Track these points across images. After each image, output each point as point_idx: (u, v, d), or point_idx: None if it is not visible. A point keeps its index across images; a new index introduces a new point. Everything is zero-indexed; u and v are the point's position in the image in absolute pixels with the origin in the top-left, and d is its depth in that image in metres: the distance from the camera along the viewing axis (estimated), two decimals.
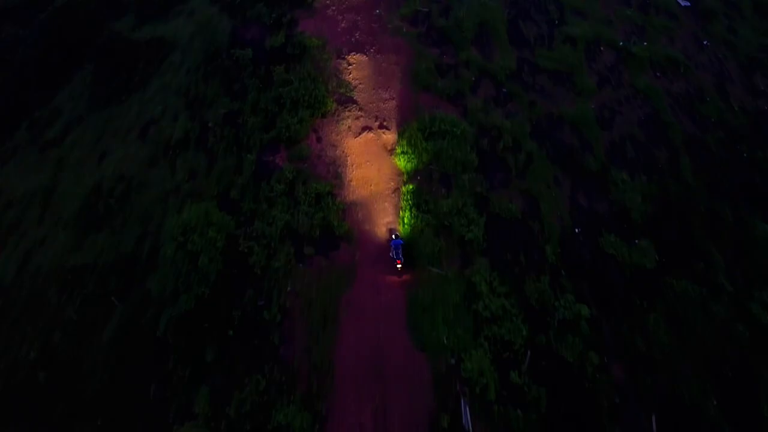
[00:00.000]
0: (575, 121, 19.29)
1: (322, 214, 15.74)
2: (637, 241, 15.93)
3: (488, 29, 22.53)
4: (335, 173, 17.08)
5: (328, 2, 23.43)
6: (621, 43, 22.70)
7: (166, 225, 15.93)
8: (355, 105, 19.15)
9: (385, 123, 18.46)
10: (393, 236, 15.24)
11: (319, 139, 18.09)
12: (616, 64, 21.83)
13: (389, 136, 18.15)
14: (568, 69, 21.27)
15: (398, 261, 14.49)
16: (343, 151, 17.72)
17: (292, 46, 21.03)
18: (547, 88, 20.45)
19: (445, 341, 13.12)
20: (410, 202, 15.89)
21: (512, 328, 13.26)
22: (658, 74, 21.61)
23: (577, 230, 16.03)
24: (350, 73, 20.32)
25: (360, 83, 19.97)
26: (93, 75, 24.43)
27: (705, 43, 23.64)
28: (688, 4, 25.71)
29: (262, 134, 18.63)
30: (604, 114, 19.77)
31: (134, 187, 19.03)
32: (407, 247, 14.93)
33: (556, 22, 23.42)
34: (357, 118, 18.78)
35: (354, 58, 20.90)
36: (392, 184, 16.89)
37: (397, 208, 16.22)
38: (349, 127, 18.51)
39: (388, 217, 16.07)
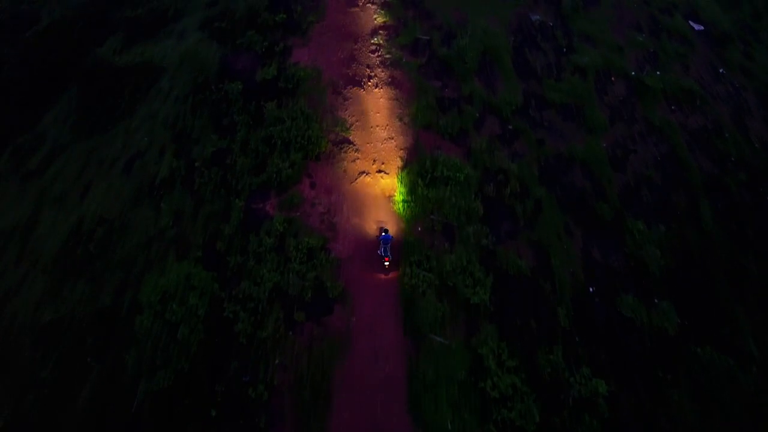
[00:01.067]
0: (586, 162, 18.05)
1: (315, 272, 14.48)
2: (656, 300, 14.68)
3: (492, 58, 21.29)
4: (329, 224, 15.82)
5: (323, 29, 22.19)
6: (633, 73, 21.47)
7: (144, 287, 14.65)
8: (351, 146, 17.90)
9: (383, 166, 17.21)
10: (382, 232, 15.00)
11: (312, 185, 16.84)
12: (629, 96, 20.59)
13: (388, 181, 16.90)
14: (578, 102, 20.03)
15: (386, 258, 14.44)
16: (338, 198, 16.47)
17: (284, 79, 19.77)
18: (555, 124, 19.20)
19: (450, 426, 11.86)
20: (411, 259, 14.63)
21: (523, 410, 12.00)
22: (673, 107, 20.37)
23: (591, 289, 14.78)
24: (346, 109, 19.07)
25: (357, 120, 18.72)
26: (78, 100, 23.26)
27: (721, 71, 22.41)
28: (702, 27, 24.50)
29: (252, 177, 17.38)
30: (617, 153, 18.52)
31: (116, 229, 17.78)
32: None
33: (564, 49, 22.19)
34: (353, 160, 17.52)
35: (350, 92, 19.65)
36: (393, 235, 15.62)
37: (398, 263, 14.95)
38: (345, 170, 17.26)
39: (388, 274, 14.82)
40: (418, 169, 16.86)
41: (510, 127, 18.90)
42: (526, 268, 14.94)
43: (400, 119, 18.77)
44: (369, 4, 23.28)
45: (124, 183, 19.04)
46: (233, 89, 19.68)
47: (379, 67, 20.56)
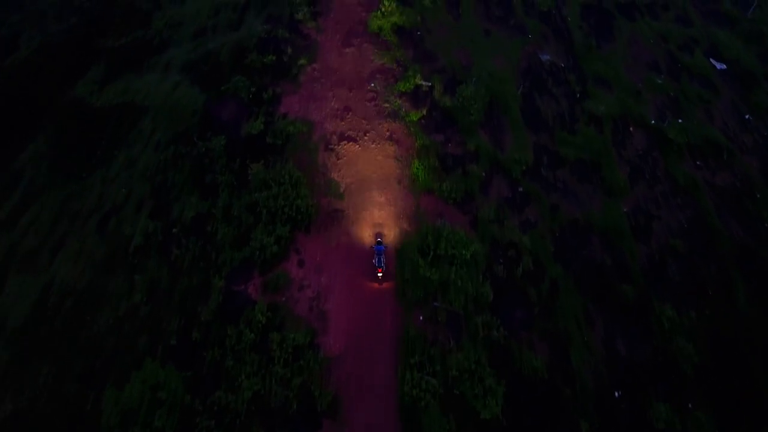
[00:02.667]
0: (606, 231, 16.27)
1: (301, 377, 12.68)
2: (690, 406, 12.88)
3: (499, 107, 19.52)
4: (319, 312, 14.01)
5: (315, 73, 20.43)
6: (653, 122, 19.70)
7: (106, 403, 12.84)
8: (344, 214, 16.12)
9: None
10: (377, 240, 14.86)
11: (300, 263, 15.04)
12: (649, 150, 18.81)
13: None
14: (594, 158, 18.25)
15: (379, 269, 14.18)
16: (330, 280, 14.67)
17: (272, 134, 17.99)
18: (570, 186, 17.42)
19: None
20: (411, 360, 12.82)
21: None
22: (698, 162, 18.60)
23: (617, 394, 12.97)
24: (340, 170, 17.29)
25: (351, 183, 16.94)
26: (54, 141, 21.50)
27: (747, 117, 20.65)
28: (724, 66, 22.74)
29: (234, 251, 15.59)
30: (639, 219, 16.73)
31: (85, 302, 16.01)
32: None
33: (578, 95, 20.41)
34: (347, 232, 15.73)
35: (344, 148, 17.87)
36: (389, 325, 13.83)
37: (396, 361, 13.15)
38: (338, 245, 15.47)
39: (384, 374, 13.00)
40: (419, 244, 15.07)
41: (520, 189, 17.12)
42: (542, 368, 13.13)
43: (399, 182, 16.99)
44: (366, 44, 21.53)
45: (97, 244, 17.30)
46: (216, 145, 17.89)
47: (377, 119, 18.78)
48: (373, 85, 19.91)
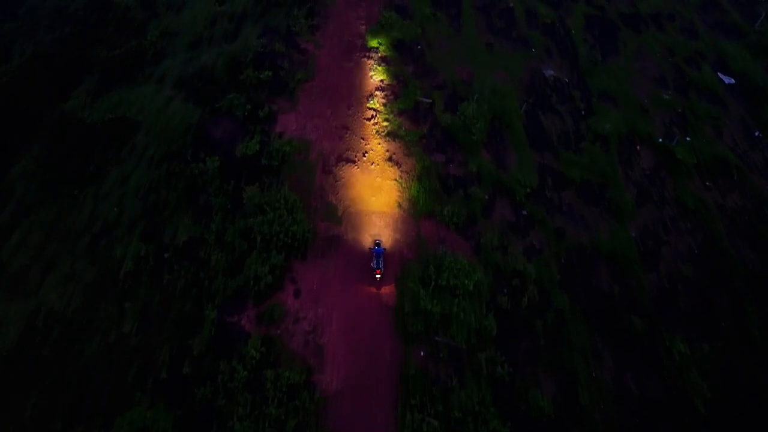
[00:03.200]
0: (613, 257, 15.69)
1: (296, 419, 12.07)
2: None
3: (502, 125, 18.94)
4: (315, 347, 13.42)
5: (313, 90, 19.84)
6: (660, 140, 19.12)
7: None
8: (342, 240, 15.53)
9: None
10: (375, 243, 14.88)
11: (296, 293, 14.45)
12: (657, 170, 18.23)
13: (385, 287, 14.52)
14: (600, 179, 17.67)
15: (377, 271, 14.11)
16: (327, 311, 14.08)
17: (267, 155, 17.40)
18: (576, 209, 16.84)
19: None
20: (411, 401, 12.23)
21: None
22: (707, 183, 18.02)
23: None
24: (337, 192, 16.71)
25: (349, 206, 16.36)
26: (46, 156, 20.92)
27: (757, 134, 20.08)
28: (732, 81, 22.17)
29: (227, 279, 15.00)
30: (648, 244, 16.15)
31: (74, 329, 15.43)
32: None
33: (583, 111, 19.84)
34: (345, 258, 15.14)
35: (342, 170, 17.29)
36: (389, 360, 13.23)
37: (396, 400, 12.56)
38: (335, 272, 14.88)
39: (383, 414, 12.41)
40: (421, 274, 14.49)
41: (524, 212, 16.53)
42: (548, 407, 12.54)
43: (399, 205, 16.40)
44: (365, 59, 20.96)
45: (87, 267, 16.73)
46: (210, 167, 17.29)
47: (376, 138, 18.20)
48: (372, 102, 19.33)
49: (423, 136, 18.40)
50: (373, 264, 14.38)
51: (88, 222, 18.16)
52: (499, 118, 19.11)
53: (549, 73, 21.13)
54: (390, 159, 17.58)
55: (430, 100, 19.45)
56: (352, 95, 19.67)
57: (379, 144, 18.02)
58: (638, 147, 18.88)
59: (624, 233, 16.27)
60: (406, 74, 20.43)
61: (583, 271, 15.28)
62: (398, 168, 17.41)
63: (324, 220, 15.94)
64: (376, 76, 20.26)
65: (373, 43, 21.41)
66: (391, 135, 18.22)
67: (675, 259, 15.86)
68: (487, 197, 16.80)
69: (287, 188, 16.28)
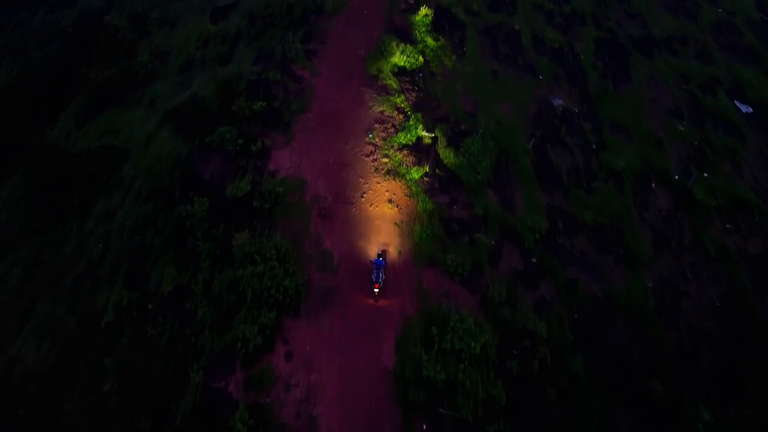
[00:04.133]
0: (629, 311, 14.59)
1: None
2: None
3: (509, 162, 17.87)
4: (308, 419, 12.32)
5: (309, 122, 18.79)
6: (677, 177, 18.05)
7: None
8: (338, 293, 14.45)
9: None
10: (378, 254, 14.63)
11: (288, 355, 13.36)
12: (674, 212, 17.14)
13: (384, 348, 13.45)
14: (614, 222, 16.59)
15: (376, 285, 13.84)
16: (321, 377, 12.99)
17: (260, 196, 16.32)
18: (589, 256, 15.75)
19: None
20: None
21: None
22: (727, 225, 16.93)
23: None
24: (334, 237, 15.63)
25: (346, 253, 15.28)
26: (29, 186, 19.91)
27: None
28: (750, 109, 21.10)
29: (214, 336, 13.93)
30: (666, 297, 15.05)
31: (52, 387, 14.36)
32: None
33: (594, 145, 18.76)
34: (341, 315, 14.07)
35: (339, 212, 16.22)
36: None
37: None
38: (330, 331, 13.80)
39: None
40: (423, 335, 13.40)
41: (534, 260, 15.45)
42: None
43: (400, 252, 15.32)
44: (364, 87, 19.90)
45: (68, 313, 15.72)
46: (198, 210, 16.21)
47: (375, 177, 17.13)
48: (371, 136, 18.27)
49: (425, 174, 17.33)
50: (372, 276, 14.02)
51: (71, 259, 17.17)
52: (506, 153, 18.04)
53: (557, 102, 20.06)
54: (390, 200, 16.51)
55: (433, 135, 18.39)
56: (350, 128, 18.62)
57: (379, 183, 16.95)
58: (653, 185, 17.79)
59: (640, 284, 15.18)
60: (408, 105, 19.38)
61: (597, 328, 14.19)
62: (398, 210, 16.34)
63: (319, 270, 14.86)
64: (375, 106, 19.21)
65: (373, 70, 20.35)
66: (391, 173, 17.15)
67: (696, 314, 14.76)
68: (493, 243, 15.72)
69: (279, 235, 15.20)
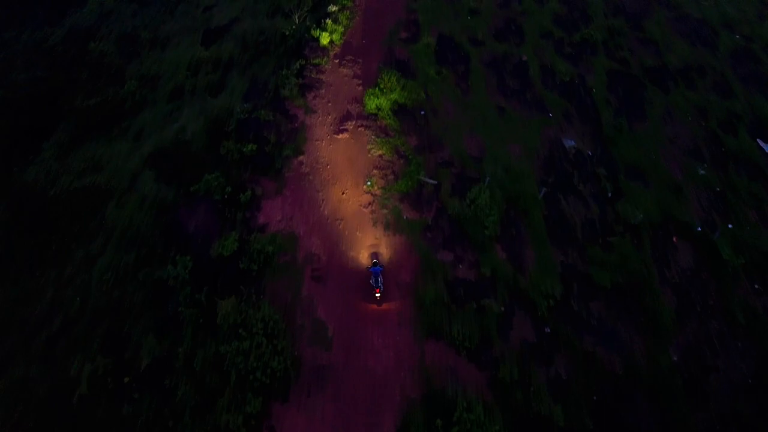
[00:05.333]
0: (653, 390, 13.23)
1: None
2: None
3: (518, 214, 16.52)
4: None
5: (302, 168, 17.45)
6: (699, 229, 16.70)
7: None
8: (330, 370, 13.09)
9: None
10: (373, 262, 14.68)
11: None
12: (698, 270, 15.78)
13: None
14: (633, 283, 15.23)
15: (377, 290, 14.04)
16: None
17: (247, 257, 14.97)
18: (607, 323, 14.39)
19: None
20: None
21: None
22: (756, 286, 15.57)
23: None
24: (328, 304, 14.28)
25: (342, 323, 13.93)
26: (5, 230, 18.60)
27: None
28: None
29: (195, 420, 12.58)
30: (692, 370, 13.70)
31: None
32: None
33: (609, 194, 17.41)
34: (334, 398, 12.71)
35: (334, 273, 14.88)
36: None
37: None
38: (323, 417, 12.44)
39: None
40: (424, 421, 12.03)
41: (547, 330, 14.10)
42: None
43: (400, 323, 13.97)
44: (362, 128, 18.57)
45: (41, 379, 14.38)
46: (180, 271, 14.86)
47: (374, 231, 15.79)
48: (369, 183, 16.93)
49: (427, 227, 15.99)
50: (372, 282, 14.22)
51: (47, 314, 15.88)
52: (515, 203, 16.70)
53: (569, 143, 18.72)
54: (390, 259, 15.16)
55: (435, 182, 17.04)
56: (347, 175, 17.28)
57: (377, 238, 15.60)
58: (675, 239, 16.44)
59: (665, 357, 13.83)
60: (408, 148, 18.04)
61: (619, 411, 12.83)
62: (399, 269, 14.99)
63: (311, 344, 13.50)
64: (374, 149, 17.87)
65: (372, 108, 19.02)
66: (391, 227, 15.80)
67: (726, 392, 13.40)
68: (503, 309, 14.37)
69: (267, 304, 13.84)
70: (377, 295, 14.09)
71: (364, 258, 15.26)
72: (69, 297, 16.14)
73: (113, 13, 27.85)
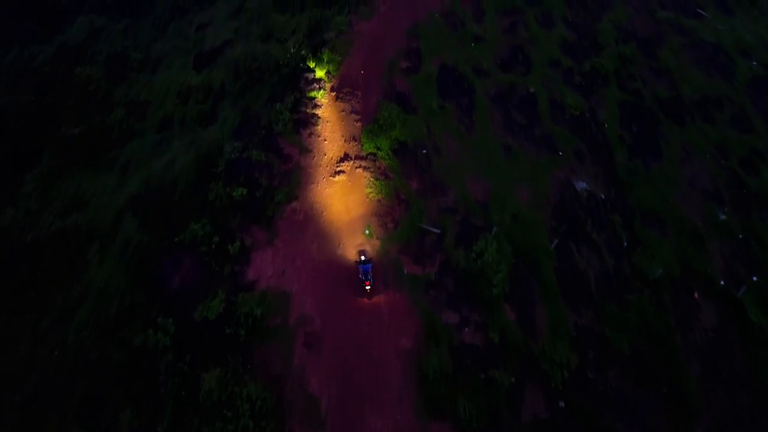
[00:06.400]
0: None
1: None
2: None
3: (527, 268, 15.32)
4: None
5: (296, 215, 16.26)
6: (722, 283, 15.52)
7: None
8: None
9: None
10: (361, 258, 14.75)
11: None
12: (722, 331, 14.59)
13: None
14: (655, 348, 14.04)
15: (367, 282, 14.11)
16: None
17: (234, 321, 13.77)
18: (626, 395, 13.19)
19: None
20: None
21: None
22: None
23: None
24: (322, 375, 13.07)
25: (336, 397, 12.72)
26: None
27: None
28: None
29: None
30: None
31: None
32: None
33: (625, 243, 16.22)
34: None
35: (329, 337, 13.68)
36: None
37: None
38: None
39: None
40: None
41: (561, 404, 12.90)
42: None
43: (400, 397, 12.76)
44: (359, 169, 17.37)
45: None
46: (161, 337, 13.65)
47: (372, 288, 14.58)
48: (368, 233, 15.74)
49: (430, 282, 14.80)
50: (361, 276, 14.26)
51: (22, 369, 14.69)
52: (524, 256, 15.51)
53: (581, 186, 17.53)
54: (389, 321, 13.97)
55: (438, 230, 15.85)
56: (341, 222, 16.09)
57: (376, 297, 14.40)
58: (696, 294, 15.25)
59: None
60: (409, 191, 16.86)
61: None
62: (399, 333, 13.80)
63: (302, 424, 12.29)
64: (373, 193, 16.69)
65: (370, 147, 17.84)
66: (391, 285, 14.60)
67: None
68: (513, 381, 13.17)
69: (254, 382, 12.61)
70: (367, 287, 14.14)
71: (358, 324, 14.06)
72: (47, 352, 14.99)
73: (103, 31, 26.66)
